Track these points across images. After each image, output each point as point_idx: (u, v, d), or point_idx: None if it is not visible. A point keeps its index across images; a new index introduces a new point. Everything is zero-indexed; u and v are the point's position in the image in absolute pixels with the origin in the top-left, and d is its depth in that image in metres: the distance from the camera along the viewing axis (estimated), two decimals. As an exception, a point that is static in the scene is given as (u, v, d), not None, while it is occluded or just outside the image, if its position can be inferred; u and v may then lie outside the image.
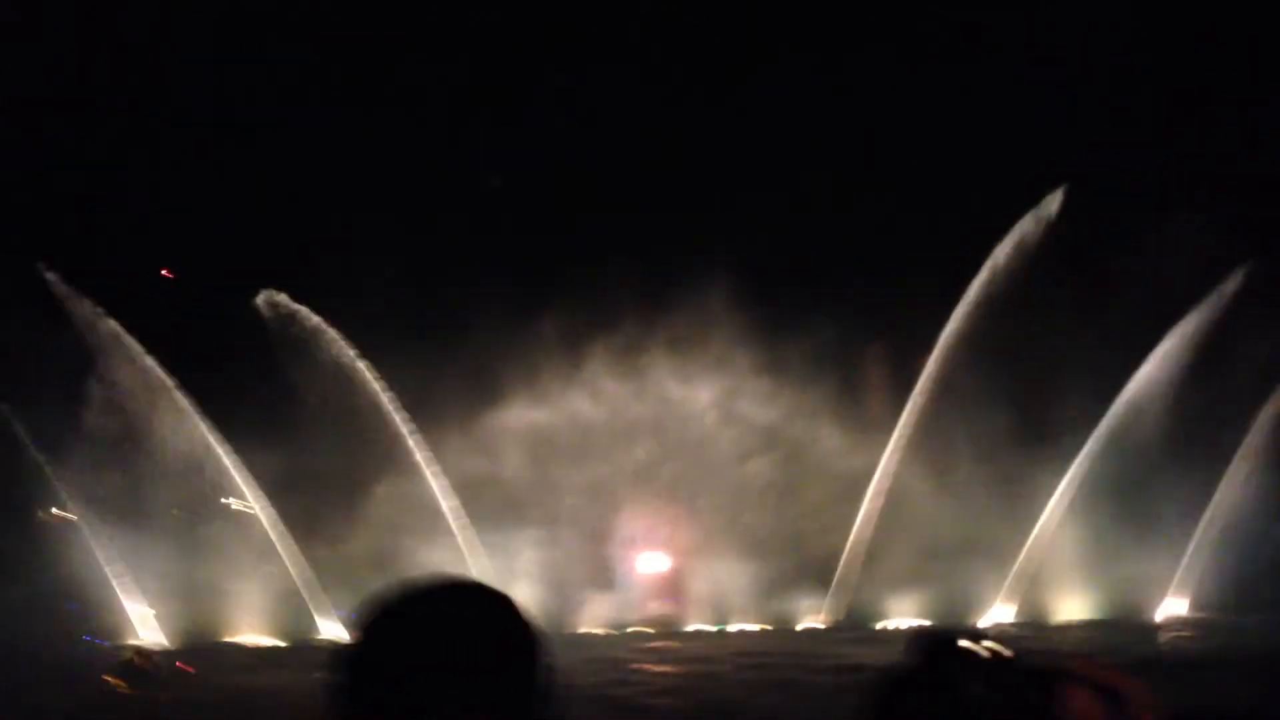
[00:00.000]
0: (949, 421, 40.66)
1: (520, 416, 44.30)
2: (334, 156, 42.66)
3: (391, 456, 42.31)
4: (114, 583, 40.70)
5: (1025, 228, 40.91)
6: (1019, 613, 40.71)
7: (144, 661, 31.66)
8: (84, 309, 39.10)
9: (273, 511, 41.20)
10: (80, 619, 39.68)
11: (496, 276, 41.07)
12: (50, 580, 38.15)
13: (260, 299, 41.09)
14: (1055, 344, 38.27)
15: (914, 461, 41.55)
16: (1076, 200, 40.60)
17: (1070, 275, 38.10)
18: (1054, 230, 40.43)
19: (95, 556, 40.74)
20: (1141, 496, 38.16)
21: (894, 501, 41.93)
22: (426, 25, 47.03)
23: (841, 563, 42.03)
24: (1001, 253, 40.91)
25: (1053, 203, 40.67)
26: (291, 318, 41.30)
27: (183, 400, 39.81)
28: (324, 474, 41.40)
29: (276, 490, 41.29)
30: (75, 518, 40.17)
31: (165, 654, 36.91)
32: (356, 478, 42.61)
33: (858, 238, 41.44)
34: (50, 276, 38.67)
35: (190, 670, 32.54)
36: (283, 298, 41.20)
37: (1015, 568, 40.56)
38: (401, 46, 46.48)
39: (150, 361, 39.63)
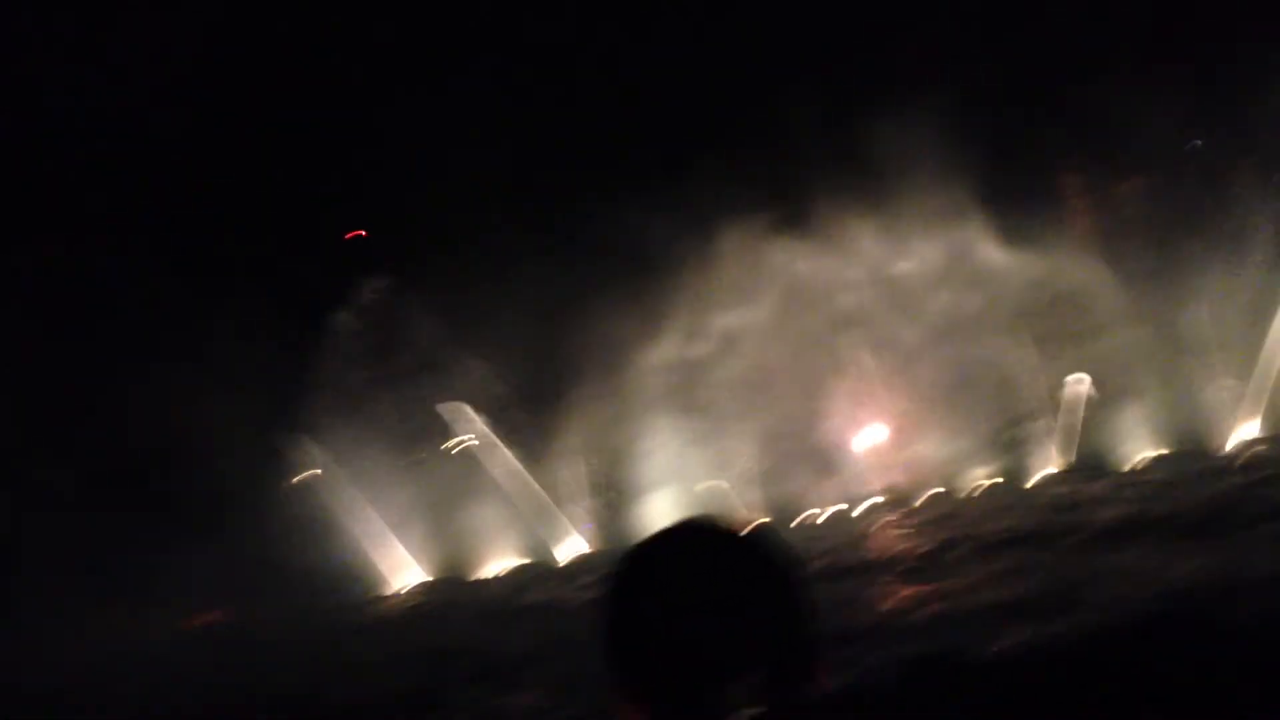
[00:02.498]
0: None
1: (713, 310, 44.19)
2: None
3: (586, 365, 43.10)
4: (366, 538, 42.95)
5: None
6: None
7: None
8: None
9: (491, 436, 42.83)
10: (341, 575, 42.20)
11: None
12: (304, 541, 40.55)
13: None
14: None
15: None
16: None
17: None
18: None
19: (347, 515, 42.97)
20: None
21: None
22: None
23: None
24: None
25: None
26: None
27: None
28: (530, 393, 42.63)
29: (494, 415, 42.82)
30: (319, 471, 42.51)
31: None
32: (560, 392, 43.56)
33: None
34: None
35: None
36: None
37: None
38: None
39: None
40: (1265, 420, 38.82)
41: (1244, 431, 38.70)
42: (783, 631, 1.67)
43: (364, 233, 44.12)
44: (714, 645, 1.63)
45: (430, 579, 42.87)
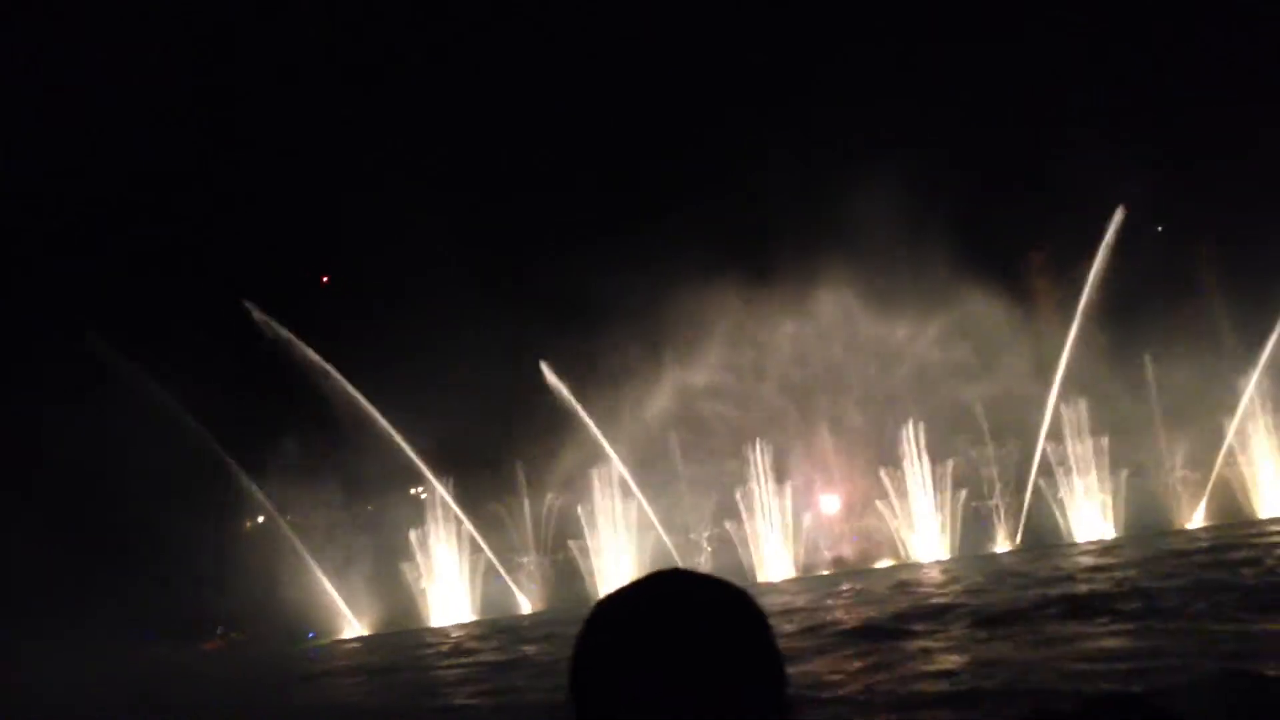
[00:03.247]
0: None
1: (674, 381, 44.40)
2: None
3: (550, 428, 42.96)
4: (325, 583, 42.37)
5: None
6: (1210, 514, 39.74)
7: None
8: (297, 349, 41.13)
9: (446, 495, 42.45)
10: (303, 618, 41.65)
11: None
12: (264, 587, 40.02)
13: None
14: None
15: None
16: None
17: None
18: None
19: (305, 561, 42.41)
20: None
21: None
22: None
23: (1030, 484, 41.30)
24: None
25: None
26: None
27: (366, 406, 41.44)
28: (484, 452, 42.34)
29: (446, 472, 42.52)
30: (270, 518, 42.07)
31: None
32: (517, 453, 43.35)
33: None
34: (256, 314, 40.79)
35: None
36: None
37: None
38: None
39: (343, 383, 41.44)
40: (1209, 509, 39.57)
41: (1194, 518, 39.43)
42: (758, 690, 1.64)
43: (325, 278, 44.04)
44: (688, 701, 1.60)
45: (375, 631, 42.36)
